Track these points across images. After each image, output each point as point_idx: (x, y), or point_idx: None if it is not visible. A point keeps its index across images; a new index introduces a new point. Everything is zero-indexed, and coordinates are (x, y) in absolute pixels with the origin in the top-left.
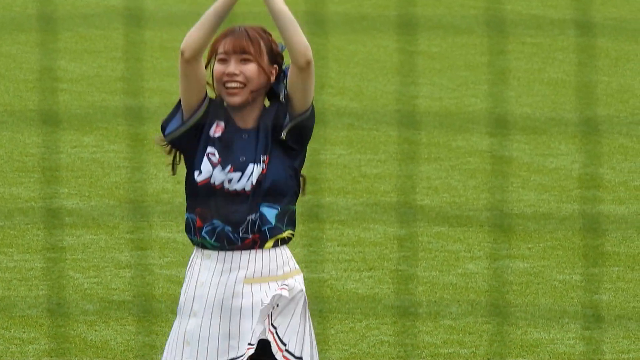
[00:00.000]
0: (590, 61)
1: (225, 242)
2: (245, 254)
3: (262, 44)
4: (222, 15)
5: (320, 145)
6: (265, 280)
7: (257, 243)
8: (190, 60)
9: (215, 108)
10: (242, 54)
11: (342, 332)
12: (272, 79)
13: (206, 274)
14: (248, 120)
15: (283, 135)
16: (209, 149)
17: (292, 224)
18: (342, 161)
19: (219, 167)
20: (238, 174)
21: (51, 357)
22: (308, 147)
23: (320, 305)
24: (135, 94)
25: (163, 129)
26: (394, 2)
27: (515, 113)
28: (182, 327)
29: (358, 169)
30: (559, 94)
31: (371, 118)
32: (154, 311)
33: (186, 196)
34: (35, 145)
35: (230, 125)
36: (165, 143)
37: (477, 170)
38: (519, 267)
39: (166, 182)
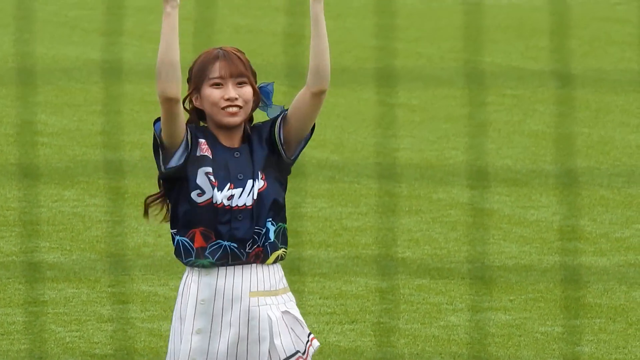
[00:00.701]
0: (571, 113)
1: (230, 259)
2: (247, 267)
3: (250, 64)
4: (176, 39)
5: (301, 198)
6: (268, 294)
7: (260, 257)
8: (177, 102)
9: (193, 129)
10: (238, 78)
11: None
12: (257, 100)
13: (207, 291)
14: (234, 139)
15: (292, 158)
16: (206, 169)
17: (286, 242)
18: (323, 214)
19: (218, 186)
20: (239, 190)
21: None
22: (290, 201)
23: None
24: (116, 147)
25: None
26: (374, 55)
27: (496, 165)
28: (185, 348)
29: (339, 221)
30: (539, 146)
31: (352, 170)
32: None
33: (177, 221)
34: (16, 199)
35: (218, 145)
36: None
37: (458, 223)
38: (501, 319)
39: (147, 235)
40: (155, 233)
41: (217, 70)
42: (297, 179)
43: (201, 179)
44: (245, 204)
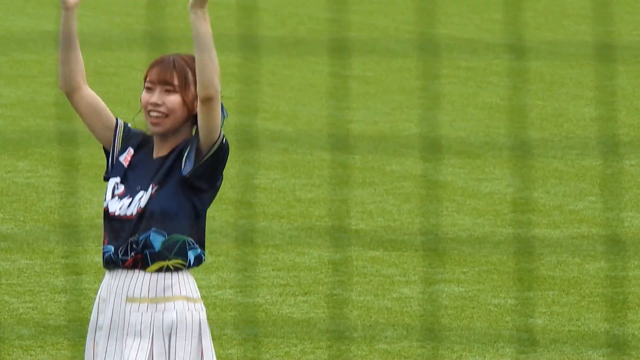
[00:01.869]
0: (525, 85)
1: (113, 264)
2: (128, 273)
3: (189, 75)
4: (66, 39)
5: (255, 170)
6: (145, 301)
7: (139, 264)
8: (70, 94)
9: (131, 135)
10: (166, 85)
11: (277, 357)
12: (194, 112)
13: (105, 290)
14: (164, 148)
15: (189, 173)
16: (114, 179)
17: (182, 255)
18: (277, 185)
19: (117, 197)
20: (129, 200)
21: None
22: (243, 172)
23: (255, 330)
24: (70, 118)
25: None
26: (328, 27)
27: (450, 137)
28: (91, 337)
29: (292, 193)
30: (493, 118)
31: (305, 142)
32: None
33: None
34: None
35: (142, 152)
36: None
37: (411, 195)
38: (454, 291)
39: (100, 206)
40: None
41: (151, 74)
42: (251, 151)
43: (109, 187)
44: (131, 214)
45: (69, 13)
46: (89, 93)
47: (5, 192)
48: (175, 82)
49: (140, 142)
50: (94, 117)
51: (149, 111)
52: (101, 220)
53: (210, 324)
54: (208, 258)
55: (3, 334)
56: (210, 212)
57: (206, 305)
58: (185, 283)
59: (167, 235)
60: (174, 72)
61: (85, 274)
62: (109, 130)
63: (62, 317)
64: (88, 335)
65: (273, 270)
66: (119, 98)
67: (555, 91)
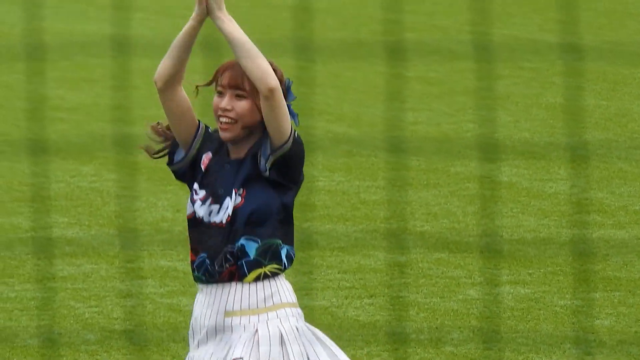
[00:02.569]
0: (588, 85)
1: (208, 276)
2: (225, 287)
3: None
4: (186, 44)
5: (319, 172)
6: (246, 313)
7: (235, 276)
8: (163, 90)
9: (210, 139)
10: (236, 90)
11: None
12: None
13: (199, 308)
14: (241, 151)
15: (265, 169)
16: (195, 185)
17: (277, 258)
18: (341, 188)
19: (201, 201)
20: (217, 207)
21: None
22: (307, 174)
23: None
24: (132, 122)
25: (170, 157)
26: (391, 29)
27: (514, 138)
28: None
29: (357, 195)
30: (557, 119)
31: (369, 144)
32: (155, 340)
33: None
34: (34, 174)
35: (219, 155)
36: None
37: (476, 196)
38: (520, 292)
39: (165, 210)
40: (173, 208)
41: (223, 78)
42: (315, 154)
43: (192, 192)
44: (221, 221)
45: (200, 24)
46: (181, 94)
47: (69, 197)
48: (247, 87)
49: (217, 145)
50: (179, 117)
51: (219, 116)
52: (166, 224)
53: None
54: None
55: (69, 339)
56: None
57: None
58: (284, 290)
59: (260, 241)
60: (245, 76)
61: (150, 278)
62: (190, 132)
63: (127, 322)
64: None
65: (339, 272)
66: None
67: (619, 91)
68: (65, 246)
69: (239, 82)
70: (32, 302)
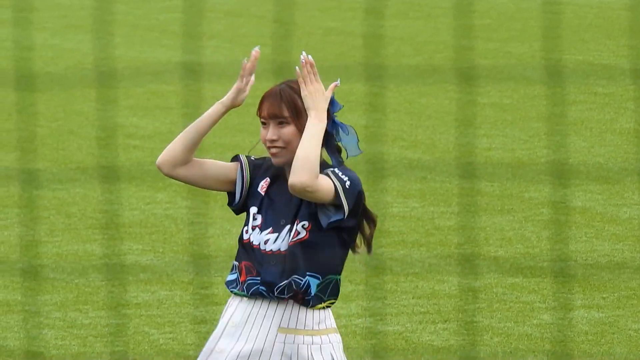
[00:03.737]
0: None
1: (259, 296)
2: (280, 304)
3: (298, 102)
4: (206, 130)
5: (393, 198)
6: (300, 332)
7: (299, 300)
8: (170, 174)
9: (262, 166)
10: (277, 119)
11: None
12: None
13: (241, 315)
14: None
15: (325, 226)
16: (253, 209)
17: (334, 294)
18: (416, 214)
19: (259, 229)
20: (275, 235)
21: None
22: (381, 201)
23: (396, 358)
24: (206, 150)
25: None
26: (464, 55)
27: (588, 163)
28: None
29: (431, 221)
30: (631, 144)
31: (443, 170)
32: None
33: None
34: (107, 202)
35: (279, 182)
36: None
37: (550, 221)
38: (594, 317)
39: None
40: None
41: (262, 110)
42: (389, 179)
43: (250, 218)
44: (279, 249)
45: (228, 109)
46: (194, 164)
47: (144, 224)
48: (286, 113)
49: (275, 170)
50: (211, 179)
51: (268, 147)
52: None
53: (351, 353)
54: (348, 287)
55: None
56: None
57: (346, 334)
58: (331, 315)
59: (322, 277)
60: (282, 104)
61: (224, 304)
62: (233, 175)
63: (201, 348)
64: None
65: (413, 298)
66: (256, 129)
67: None
68: (139, 273)
69: (277, 111)
70: (106, 329)
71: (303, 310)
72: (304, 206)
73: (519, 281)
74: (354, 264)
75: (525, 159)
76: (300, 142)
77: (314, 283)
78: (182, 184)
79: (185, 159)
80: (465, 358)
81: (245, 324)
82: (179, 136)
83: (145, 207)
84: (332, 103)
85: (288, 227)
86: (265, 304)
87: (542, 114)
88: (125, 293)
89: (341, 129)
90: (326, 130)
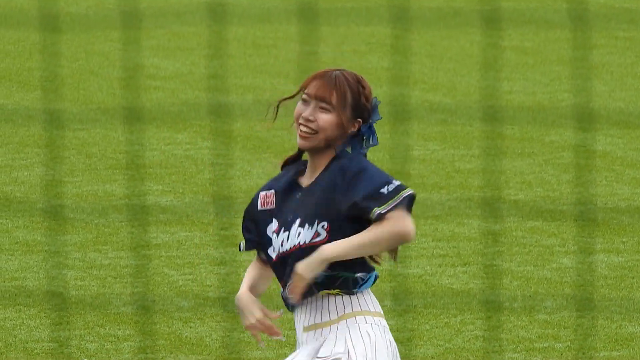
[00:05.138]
0: None
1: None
2: (301, 306)
3: (348, 95)
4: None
5: (414, 141)
6: (320, 326)
7: (307, 294)
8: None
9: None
10: (322, 102)
11: (437, 327)
12: (350, 132)
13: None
14: (318, 164)
15: (346, 210)
16: (271, 226)
17: (346, 287)
18: (436, 156)
19: (275, 233)
20: (285, 234)
21: (146, 354)
22: (402, 143)
23: (415, 301)
24: (228, 91)
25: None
26: None
27: (608, 107)
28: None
29: (452, 164)
30: None
31: (464, 113)
32: None
33: None
34: (128, 142)
35: (284, 184)
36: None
37: (570, 165)
38: (614, 261)
39: (259, 178)
40: (268, 175)
41: (310, 87)
42: (409, 122)
43: (266, 237)
44: (290, 247)
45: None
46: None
47: (164, 165)
48: (334, 101)
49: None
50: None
51: (299, 124)
52: None
53: None
54: None
55: (163, 306)
56: None
57: None
58: (363, 300)
59: (332, 270)
60: (334, 90)
61: None
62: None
63: (221, 289)
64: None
65: (432, 241)
66: (277, 70)
67: None
68: (159, 214)
69: (327, 95)
70: (126, 270)
71: (314, 301)
72: (324, 206)
73: (538, 225)
74: None
75: (546, 102)
76: (368, 251)
77: (321, 276)
78: (203, 125)
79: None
80: (485, 301)
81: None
82: None
83: (166, 147)
84: (374, 112)
85: (298, 221)
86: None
87: (564, 57)
88: (145, 234)
89: (372, 137)
90: (359, 131)
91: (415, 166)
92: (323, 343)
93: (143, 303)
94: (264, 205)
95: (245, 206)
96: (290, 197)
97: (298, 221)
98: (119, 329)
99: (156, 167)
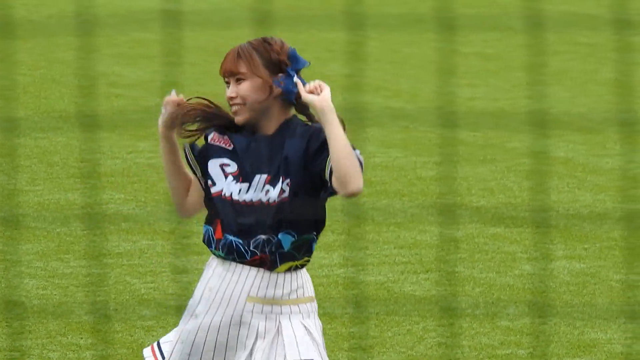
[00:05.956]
0: None
1: (236, 255)
2: (255, 270)
3: (255, 57)
4: (173, 170)
5: (376, 148)
6: (270, 302)
7: (267, 264)
8: (190, 215)
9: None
10: (235, 76)
11: (399, 335)
12: (277, 89)
13: (216, 280)
14: (268, 127)
15: (325, 177)
16: (220, 160)
17: (309, 252)
18: (398, 163)
19: (230, 178)
20: (246, 185)
21: None
22: (364, 150)
23: (377, 308)
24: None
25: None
26: (449, 4)
27: (571, 113)
28: (182, 325)
29: (413, 171)
30: (613, 94)
31: (426, 120)
32: None
33: (206, 207)
34: (90, 151)
35: (244, 133)
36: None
37: (532, 171)
38: (575, 267)
39: None
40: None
41: (221, 70)
42: (371, 129)
43: (213, 169)
44: (252, 200)
45: (170, 138)
46: (196, 200)
47: (126, 173)
48: (242, 69)
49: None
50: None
51: (230, 105)
52: None
53: (332, 303)
54: (330, 237)
55: (125, 315)
56: None
57: (328, 284)
58: (309, 282)
59: (297, 236)
60: (239, 60)
61: (206, 254)
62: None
63: (183, 298)
64: (184, 319)
65: (395, 248)
66: None
67: None
68: (121, 222)
69: (234, 68)
70: (88, 278)
71: (274, 277)
72: (288, 163)
73: (500, 231)
74: (337, 213)
75: (507, 108)
76: (337, 148)
77: (287, 240)
78: None
79: (184, 199)
80: (447, 308)
81: (218, 290)
82: (169, 189)
83: (128, 156)
84: (297, 60)
85: (258, 176)
86: (238, 270)
87: (525, 63)
88: (107, 242)
89: (291, 83)
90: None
91: (377, 173)
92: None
93: (105, 312)
94: (219, 142)
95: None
96: (248, 148)
97: (265, 177)
98: (81, 338)
99: (118, 176)
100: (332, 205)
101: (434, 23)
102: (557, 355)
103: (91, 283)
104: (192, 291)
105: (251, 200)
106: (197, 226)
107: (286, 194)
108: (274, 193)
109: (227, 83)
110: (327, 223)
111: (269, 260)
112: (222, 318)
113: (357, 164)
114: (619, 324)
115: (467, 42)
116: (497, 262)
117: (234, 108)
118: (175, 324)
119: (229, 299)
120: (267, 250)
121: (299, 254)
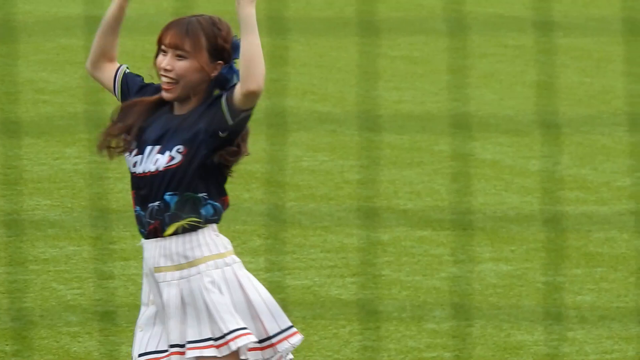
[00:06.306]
0: (573, 63)
1: (140, 226)
2: (152, 242)
3: (202, 39)
4: (110, 23)
5: (303, 152)
6: (170, 269)
7: (158, 230)
8: (91, 71)
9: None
10: (177, 50)
11: (325, 338)
12: (213, 75)
13: (145, 261)
14: (185, 108)
15: (231, 121)
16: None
17: (195, 212)
18: (325, 167)
19: (137, 149)
20: (139, 157)
21: None
22: (291, 154)
23: (304, 312)
24: (117, 104)
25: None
26: (375, 8)
27: (498, 116)
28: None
29: (340, 174)
30: (541, 96)
31: (353, 124)
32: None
33: None
34: (16, 157)
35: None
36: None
37: (460, 174)
38: (502, 269)
39: None
40: None
41: (165, 37)
42: (299, 133)
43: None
44: (143, 171)
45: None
46: (109, 68)
47: (53, 179)
48: (187, 47)
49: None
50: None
51: (160, 75)
52: None
53: None
54: (256, 241)
55: (51, 321)
56: (257, 194)
57: None
58: (207, 243)
59: (180, 194)
60: (186, 37)
61: (133, 259)
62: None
63: (110, 304)
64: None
65: (321, 252)
66: None
67: (603, 68)
68: (47, 228)
69: (180, 42)
70: (14, 285)
71: (168, 242)
72: (180, 130)
73: (427, 234)
74: (263, 217)
75: (435, 111)
76: (247, 38)
77: (172, 200)
78: (91, 139)
79: (101, 52)
80: (373, 312)
81: (143, 271)
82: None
83: (54, 162)
84: (235, 51)
85: (149, 147)
86: (146, 246)
87: (453, 66)
88: (33, 249)
89: (236, 77)
90: (223, 76)
91: (304, 177)
92: (185, 318)
93: (31, 318)
94: (148, 93)
95: (133, 219)
96: (156, 119)
97: (157, 148)
98: (7, 345)
99: (45, 182)
100: (258, 209)
101: (360, 27)
102: (484, 357)
103: (17, 289)
104: (119, 297)
105: (143, 172)
106: (124, 232)
107: (177, 160)
108: (162, 160)
109: (164, 52)
110: (252, 227)
111: (160, 225)
112: (151, 297)
113: (263, 66)
114: (545, 326)
115: (393, 46)
116: (423, 265)
117: (165, 81)
118: (102, 330)
119: (147, 276)
120: (158, 216)
121: (183, 213)
